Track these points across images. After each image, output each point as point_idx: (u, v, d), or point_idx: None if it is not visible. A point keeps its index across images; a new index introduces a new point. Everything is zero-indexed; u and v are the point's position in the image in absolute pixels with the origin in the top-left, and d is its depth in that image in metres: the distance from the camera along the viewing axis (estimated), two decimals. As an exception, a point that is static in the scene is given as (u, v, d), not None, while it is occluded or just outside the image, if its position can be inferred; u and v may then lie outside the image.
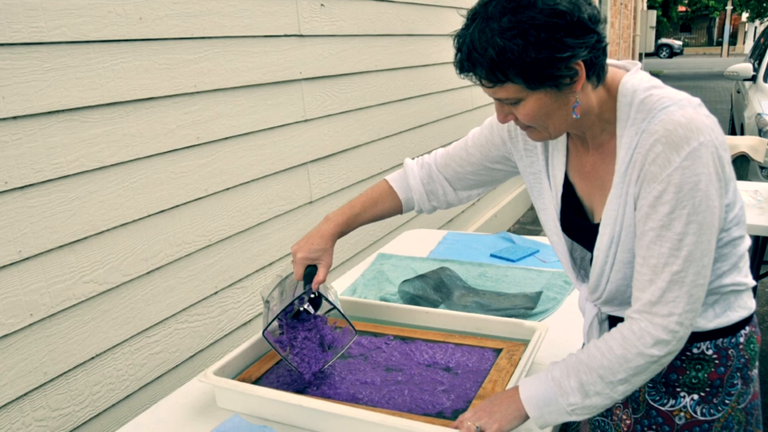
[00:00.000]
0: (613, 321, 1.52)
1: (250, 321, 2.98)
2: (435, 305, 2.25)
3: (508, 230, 6.24)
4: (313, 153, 3.32)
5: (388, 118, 4.11)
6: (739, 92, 8.72)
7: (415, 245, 2.99)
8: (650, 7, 29.12)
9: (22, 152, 1.94)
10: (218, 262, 2.74)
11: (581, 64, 1.23)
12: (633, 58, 17.75)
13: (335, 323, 1.83)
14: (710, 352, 1.42)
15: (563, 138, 1.47)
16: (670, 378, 1.45)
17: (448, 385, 1.71)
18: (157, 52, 2.36)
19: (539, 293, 2.29)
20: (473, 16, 1.26)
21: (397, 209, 1.78)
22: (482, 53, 1.22)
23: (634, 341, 1.27)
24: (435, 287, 2.34)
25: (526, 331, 1.87)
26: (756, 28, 36.62)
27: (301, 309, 1.78)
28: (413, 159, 1.79)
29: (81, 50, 2.09)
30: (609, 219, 1.36)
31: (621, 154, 1.32)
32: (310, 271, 1.69)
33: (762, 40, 9.45)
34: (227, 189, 2.75)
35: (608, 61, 1.32)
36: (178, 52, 2.45)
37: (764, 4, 31.61)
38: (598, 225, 1.40)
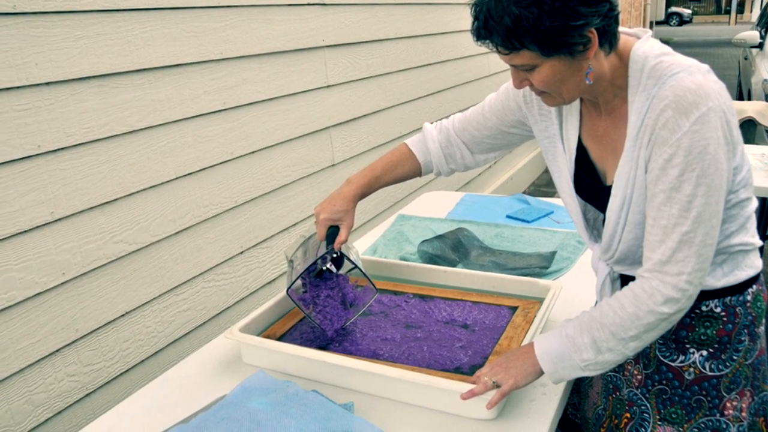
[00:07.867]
0: (625, 280, 1.54)
1: (274, 280, 3.02)
2: (453, 264, 2.27)
3: (524, 192, 6.23)
4: (336, 118, 3.35)
5: (407, 84, 4.11)
6: (746, 59, 8.70)
7: (434, 207, 3.02)
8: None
9: (54, 117, 1.98)
10: (244, 223, 2.79)
11: (594, 31, 1.25)
12: (644, 26, 17.32)
13: (356, 282, 1.85)
14: (719, 309, 1.44)
15: (577, 103, 1.49)
16: (680, 335, 1.47)
17: (465, 341, 1.73)
18: (185, 20, 2.38)
19: (553, 253, 2.31)
20: (490, -16, 1.27)
21: (417, 172, 1.79)
22: (498, 21, 1.24)
23: (645, 299, 1.30)
24: (453, 247, 2.36)
25: (541, 289, 1.89)
26: (763, -4, 35.87)
27: (324, 268, 1.81)
28: (432, 123, 1.80)
29: (111, 18, 2.12)
30: (621, 181, 1.38)
31: (632, 118, 1.34)
32: (332, 232, 1.70)
33: (769, 8, 9.42)
34: (252, 152, 2.79)
35: (620, 28, 1.33)
36: (204, 20, 2.47)
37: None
38: (610, 187, 1.42)
